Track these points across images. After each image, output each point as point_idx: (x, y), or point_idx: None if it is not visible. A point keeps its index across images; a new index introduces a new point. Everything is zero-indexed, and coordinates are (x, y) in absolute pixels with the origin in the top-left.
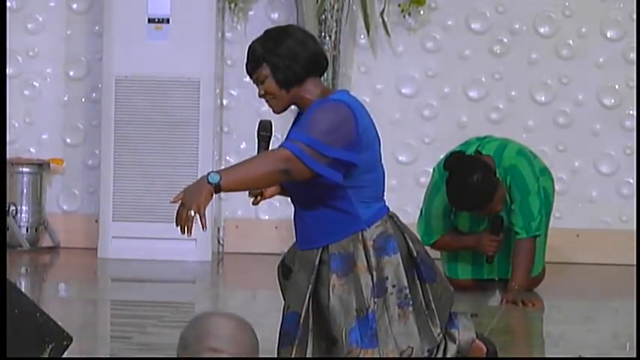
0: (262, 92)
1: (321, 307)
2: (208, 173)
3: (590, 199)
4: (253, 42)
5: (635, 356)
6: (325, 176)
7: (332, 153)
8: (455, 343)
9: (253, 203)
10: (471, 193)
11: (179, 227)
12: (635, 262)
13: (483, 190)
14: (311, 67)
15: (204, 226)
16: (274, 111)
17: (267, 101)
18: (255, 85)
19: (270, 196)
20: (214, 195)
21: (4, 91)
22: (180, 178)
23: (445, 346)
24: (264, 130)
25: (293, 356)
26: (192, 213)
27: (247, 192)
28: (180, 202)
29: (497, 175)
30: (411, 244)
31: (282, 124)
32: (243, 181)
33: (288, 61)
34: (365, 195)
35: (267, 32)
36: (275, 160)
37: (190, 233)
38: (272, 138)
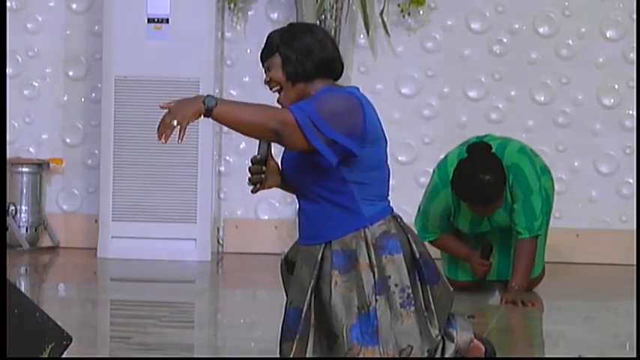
0: (268, 79)
1: (323, 303)
2: (207, 95)
3: (590, 198)
4: (274, 31)
5: (635, 356)
6: (321, 152)
7: (331, 134)
8: (453, 342)
9: (252, 191)
10: (473, 185)
11: (157, 133)
12: (635, 262)
13: (485, 191)
14: (322, 69)
15: (181, 139)
16: (283, 106)
17: (271, 89)
18: (264, 83)
19: (270, 187)
20: (202, 117)
21: (4, 91)
22: (180, 177)
23: (443, 345)
24: None
25: (293, 351)
26: (175, 123)
27: (249, 187)
28: (168, 109)
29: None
30: (414, 246)
31: None
32: (234, 119)
33: (300, 57)
34: (369, 193)
35: (291, 25)
36: (273, 118)
37: (166, 140)
38: None
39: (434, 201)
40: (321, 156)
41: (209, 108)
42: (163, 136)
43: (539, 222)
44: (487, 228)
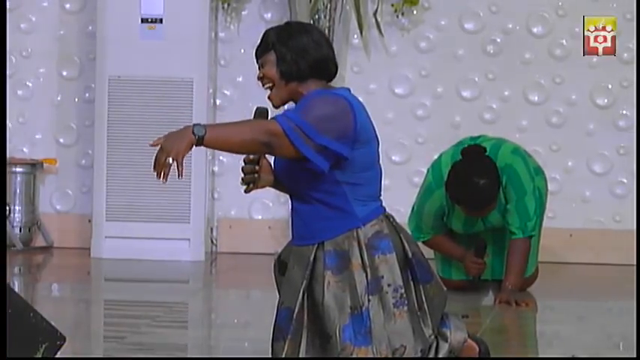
0: (261, 75)
1: (316, 304)
2: (195, 125)
3: (584, 198)
4: (270, 28)
5: (635, 356)
6: (310, 160)
7: (320, 140)
8: (447, 342)
9: (245, 191)
10: (468, 189)
11: (155, 172)
12: (629, 262)
13: (480, 196)
14: (316, 69)
15: (180, 174)
16: (273, 104)
17: (263, 86)
18: (257, 80)
19: (263, 187)
20: (195, 147)
21: (4, 91)
22: (174, 177)
23: (437, 345)
24: (260, 116)
25: (285, 351)
26: (171, 160)
27: (242, 189)
28: (159, 146)
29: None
30: (406, 245)
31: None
32: (225, 141)
33: (295, 56)
34: (361, 193)
35: (287, 24)
36: (261, 131)
37: (166, 179)
38: None
39: (428, 201)
40: (312, 163)
41: (200, 137)
42: (162, 175)
43: (532, 222)
44: (481, 228)
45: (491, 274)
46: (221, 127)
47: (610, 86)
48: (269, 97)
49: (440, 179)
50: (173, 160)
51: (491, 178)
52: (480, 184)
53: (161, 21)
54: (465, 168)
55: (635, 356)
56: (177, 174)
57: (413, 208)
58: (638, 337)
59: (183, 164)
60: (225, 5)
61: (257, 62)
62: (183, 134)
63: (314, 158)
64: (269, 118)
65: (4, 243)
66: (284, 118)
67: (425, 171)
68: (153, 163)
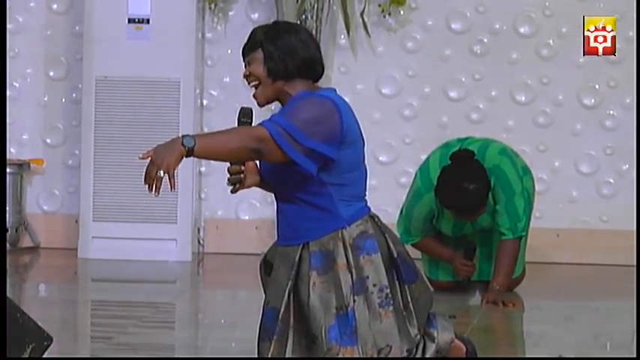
0: (247, 73)
1: (302, 304)
2: (184, 136)
3: (571, 199)
4: (258, 27)
5: (635, 356)
6: (299, 164)
7: (308, 143)
8: (434, 342)
9: (231, 192)
10: (458, 195)
11: (147, 186)
12: (635, 263)
13: (471, 201)
14: (303, 68)
15: (173, 187)
16: (258, 102)
17: (249, 84)
18: (243, 77)
19: (249, 187)
20: (184, 159)
21: (4, 91)
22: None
23: (424, 345)
24: (245, 116)
25: (271, 351)
26: (162, 173)
27: (228, 189)
28: (149, 159)
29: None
30: (391, 245)
31: (263, 114)
32: (215, 151)
33: (283, 54)
34: (346, 193)
35: (275, 23)
36: (250, 138)
37: (158, 193)
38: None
39: (417, 205)
40: (300, 167)
41: (189, 148)
42: (154, 189)
43: (522, 223)
44: (470, 230)
45: (478, 275)
46: (210, 136)
47: (597, 86)
48: (254, 96)
49: (429, 184)
50: (164, 173)
51: (481, 182)
52: (470, 189)
53: (148, 21)
54: (454, 173)
55: (635, 356)
56: (169, 187)
57: (401, 211)
58: (638, 337)
59: (174, 176)
60: (213, 6)
61: (244, 60)
62: (172, 146)
63: (302, 162)
64: (253, 120)
65: (4, 243)
66: (271, 123)
67: (412, 171)
68: (143, 177)
